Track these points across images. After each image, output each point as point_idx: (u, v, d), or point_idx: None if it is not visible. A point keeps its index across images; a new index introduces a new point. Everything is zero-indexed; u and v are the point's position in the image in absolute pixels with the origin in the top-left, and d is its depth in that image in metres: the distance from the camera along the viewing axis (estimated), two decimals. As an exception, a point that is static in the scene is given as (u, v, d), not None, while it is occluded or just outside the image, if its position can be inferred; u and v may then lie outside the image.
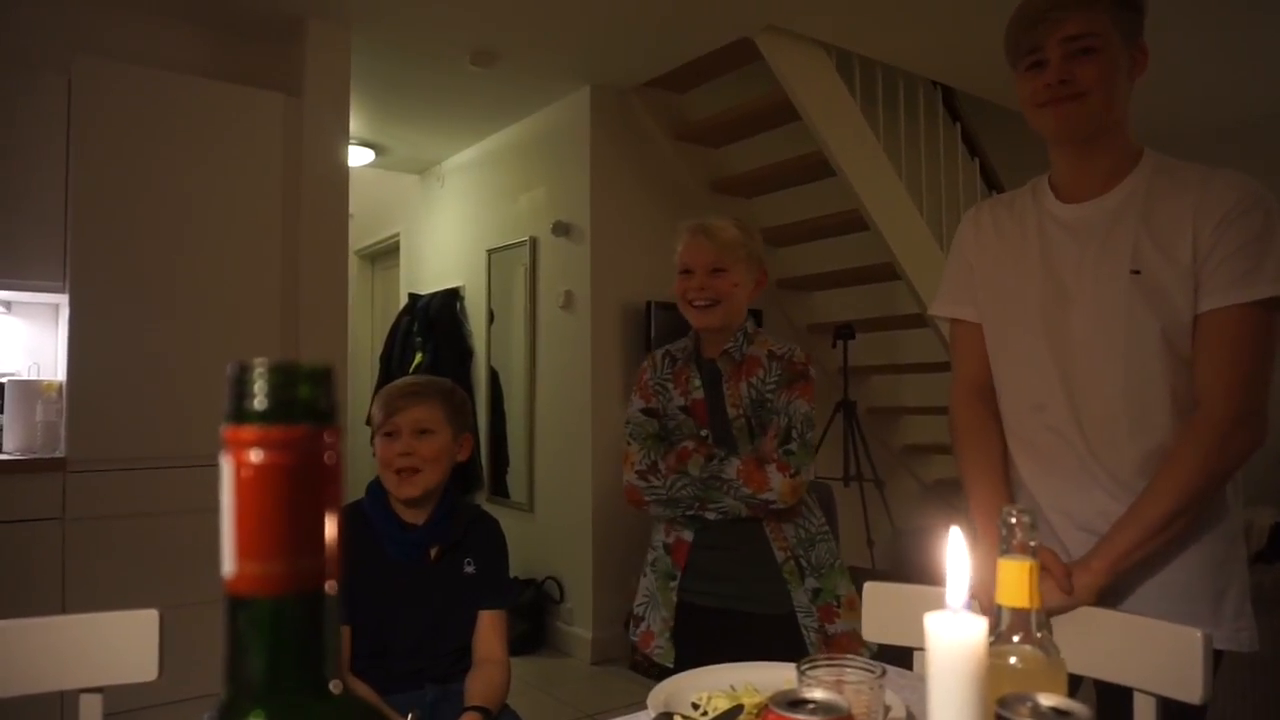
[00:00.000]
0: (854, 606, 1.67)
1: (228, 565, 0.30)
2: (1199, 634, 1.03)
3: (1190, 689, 1.03)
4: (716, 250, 1.73)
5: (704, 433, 1.75)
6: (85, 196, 2.81)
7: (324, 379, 0.31)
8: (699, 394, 1.77)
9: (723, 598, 1.74)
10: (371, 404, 1.70)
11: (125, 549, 2.75)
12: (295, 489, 0.30)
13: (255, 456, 0.30)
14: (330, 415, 0.31)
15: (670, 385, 1.81)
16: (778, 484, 1.64)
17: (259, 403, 0.30)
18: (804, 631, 1.69)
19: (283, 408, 0.30)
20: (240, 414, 0.30)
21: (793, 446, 1.67)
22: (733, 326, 1.77)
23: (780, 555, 1.71)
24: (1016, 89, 1.31)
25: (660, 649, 1.77)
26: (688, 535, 1.76)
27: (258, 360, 0.30)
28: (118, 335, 2.83)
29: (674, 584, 1.77)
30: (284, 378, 0.30)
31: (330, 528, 0.31)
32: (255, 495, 0.30)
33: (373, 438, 1.67)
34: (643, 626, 1.82)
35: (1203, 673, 1.02)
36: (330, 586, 0.31)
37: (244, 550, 0.30)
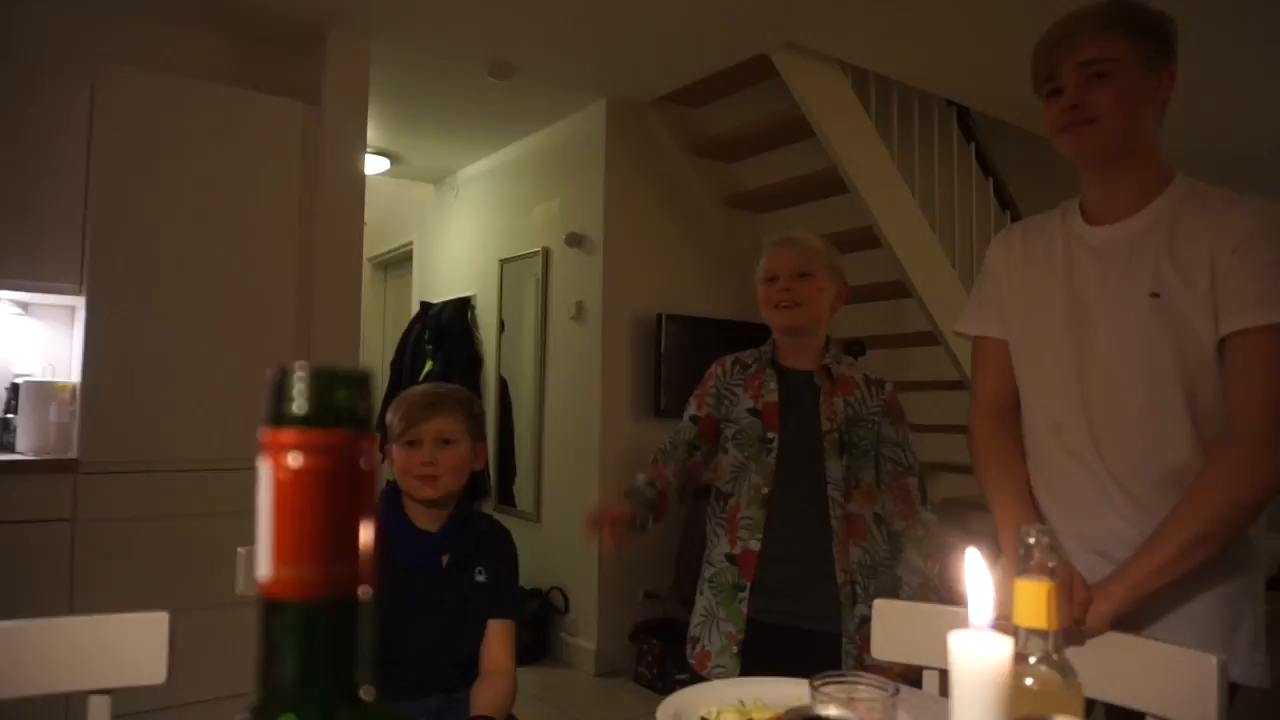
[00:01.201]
0: None
1: (263, 569, 0.30)
2: (1215, 660, 1.02)
3: (1205, 716, 1.02)
4: (800, 256, 1.76)
5: (770, 435, 1.73)
6: (105, 201, 2.83)
7: (363, 385, 0.31)
8: (773, 397, 1.76)
9: (784, 614, 1.70)
10: (384, 411, 1.70)
11: (135, 552, 2.75)
12: (333, 494, 0.30)
13: (294, 460, 0.30)
14: (367, 421, 0.31)
15: (740, 390, 1.80)
16: (930, 519, 1.76)
17: (299, 406, 0.30)
18: (845, 658, 1.65)
19: (323, 412, 0.30)
20: (280, 417, 0.30)
21: (925, 487, 1.80)
22: (816, 338, 1.79)
23: (840, 577, 1.68)
24: (1044, 116, 1.33)
25: (721, 668, 1.68)
26: (754, 545, 1.71)
27: (299, 364, 0.30)
28: (133, 339, 2.84)
29: (743, 595, 1.70)
30: (324, 382, 0.30)
31: (365, 534, 0.31)
32: (293, 499, 0.30)
33: (383, 444, 1.67)
34: (699, 647, 1.75)
35: (1217, 699, 1.02)
36: (364, 592, 0.31)
37: (281, 554, 0.30)
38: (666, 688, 3.09)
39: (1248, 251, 1.17)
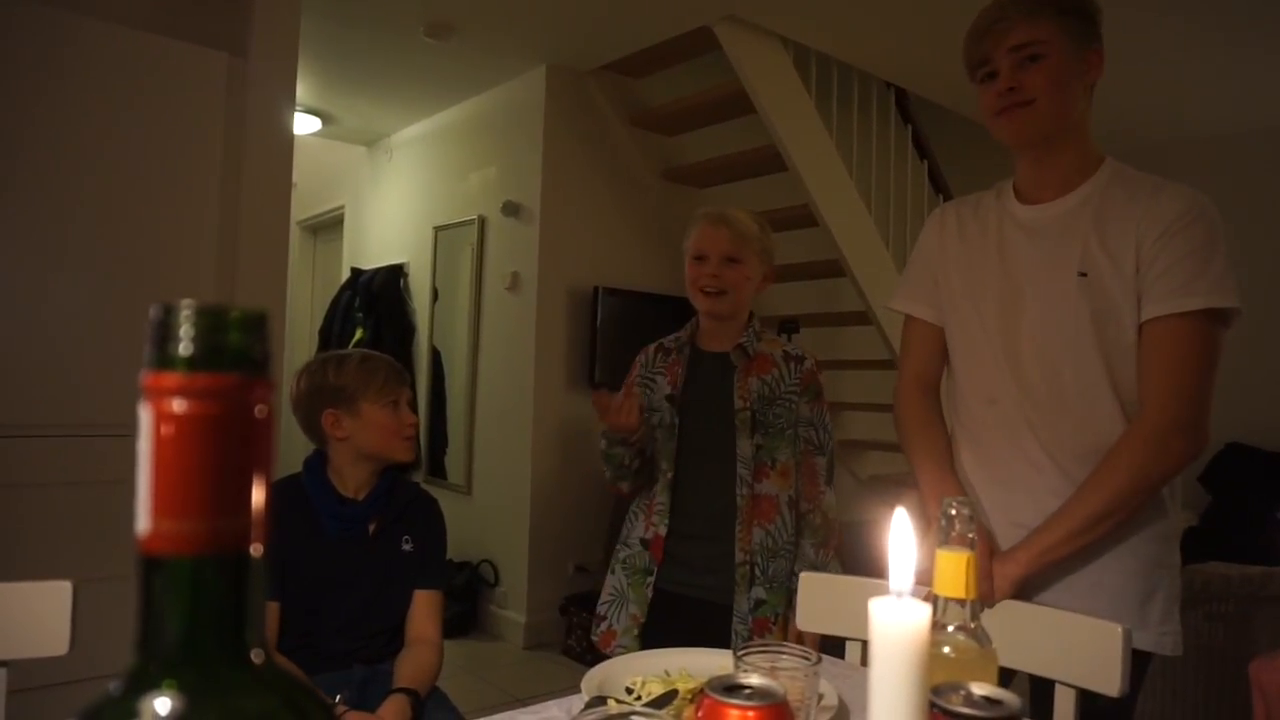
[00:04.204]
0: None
1: (143, 522, 0.28)
2: (1119, 629, 1.06)
3: (1109, 682, 1.06)
4: (733, 240, 1.74)
5: (676, 421, 1.76)
6: (3, 150, 2.66)
7: (258, 326, 0.29)
8: (682, 383, 1.78)
9: (699, 588, 1.71)
10: (325, 374, 1.64)
11: (42, 519, 2.63)
12: (220, 442, 0.28)
13: (178, 406, 0.27)
14: (263, 365, 0.29)
15: (660, 376, 1.81)
16: (830, 502, 1.73)
17: (184, 348, 0.27)
18: (734, 637, 1.66)
19: (211, 354, 0.28)
20: (163, 359, 0.28)
21: (833, 468, 1.77)
22: (739, 318, 1.78)
23: (740, 555, 1.68)
24: (978, 101, 1.34)
25: (623, 648, 1.71)
26: (663, 530, 1.74)
27: (185, 302, 0.28)
28: (38, 301, 2.69)
29: (650, 580, 1.73)
30: (213, 322, 0.28)
31: (259, 486, 0.29)
32: (176, 447, 0.27)
33: (328, 406, 1.61)
34: (604, 625, 1.77)
35: (1121, 666, 1.05)
36: (255, 549, 0.29)
37: (161, 506, 0.27)
38: (595, 660, 3.09)
39: (1171, 239, 1.20)
